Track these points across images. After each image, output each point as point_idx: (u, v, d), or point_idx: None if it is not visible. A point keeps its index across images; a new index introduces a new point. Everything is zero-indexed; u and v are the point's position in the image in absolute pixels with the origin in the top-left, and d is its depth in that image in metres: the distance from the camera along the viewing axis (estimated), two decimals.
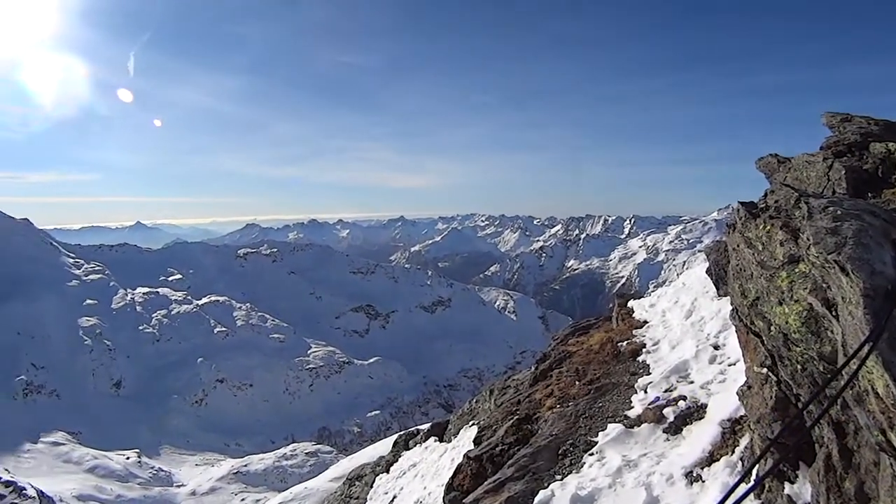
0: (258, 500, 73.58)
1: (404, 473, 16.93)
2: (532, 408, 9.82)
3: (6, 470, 59.35)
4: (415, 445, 18.68)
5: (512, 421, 9.63)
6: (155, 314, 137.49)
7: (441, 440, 17.27)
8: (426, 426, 19.86)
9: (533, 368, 11.86)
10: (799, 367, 4.31)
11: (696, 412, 7.12)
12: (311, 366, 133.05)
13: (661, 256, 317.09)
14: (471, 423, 15.75)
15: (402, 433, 22.03)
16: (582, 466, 7.30)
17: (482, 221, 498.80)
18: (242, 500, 75.77)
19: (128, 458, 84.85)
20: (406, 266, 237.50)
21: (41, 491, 55.92)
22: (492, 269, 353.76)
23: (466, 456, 9.86)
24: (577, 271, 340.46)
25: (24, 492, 52.16)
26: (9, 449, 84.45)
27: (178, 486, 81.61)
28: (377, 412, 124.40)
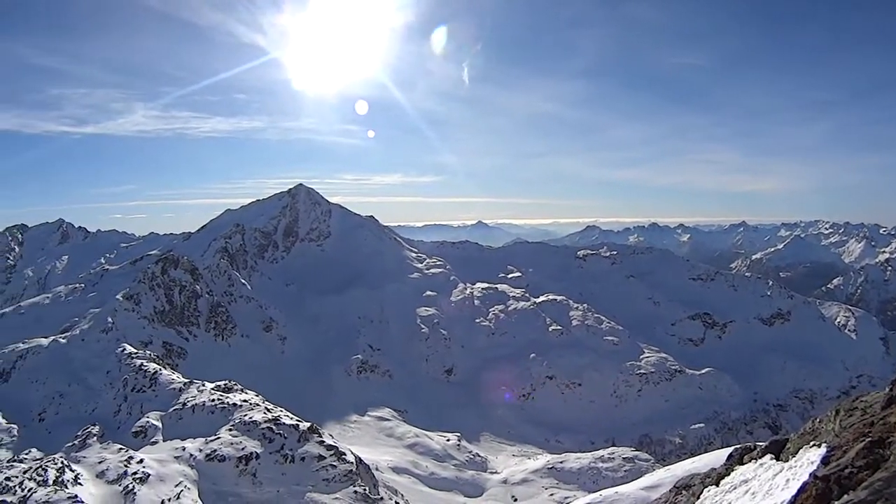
0: (567, 498, 75.04)
1: (735, 488, 16.65)
2: (886, 431, 9.54)
3: (330, 435, 66.42)
4: (749, 461, 18.34)
5: (864, 443, 9.51)
6: (492, 309, 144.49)
7: (777, 458, 16.76)
8: (763, 443, 19.37)
9: (887, 389, 11.27)
10: None
11: None
12: (641, 371, 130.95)
13: None
14: (811, 443, 15.18)
15: (737, 447, 21.34)
16: None
17: (826, 229, 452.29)
18: (551, 494, 77.05)
19: (448, 440, 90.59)
20: (746, 274, 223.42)
21: (359, 458, 61.58)
22: (834, 281, 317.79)
23: (814, 475, 9.75)
24: None
25: (343, 456, 57.58)
26: (337, 418, 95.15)
27: (492, 473, 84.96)
28: (701, 425, 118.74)
